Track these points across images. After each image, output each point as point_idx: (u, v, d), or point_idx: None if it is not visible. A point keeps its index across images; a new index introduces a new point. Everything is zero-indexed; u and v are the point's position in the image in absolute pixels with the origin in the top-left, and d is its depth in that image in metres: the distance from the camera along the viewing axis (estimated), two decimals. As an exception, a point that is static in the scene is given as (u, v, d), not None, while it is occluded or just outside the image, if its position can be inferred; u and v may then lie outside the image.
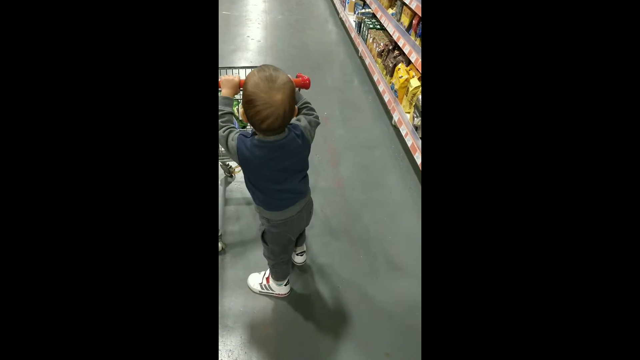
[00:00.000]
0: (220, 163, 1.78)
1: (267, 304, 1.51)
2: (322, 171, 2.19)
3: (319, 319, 1.48)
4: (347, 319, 1.48)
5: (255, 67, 1.03)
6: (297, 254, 1.62)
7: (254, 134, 1.03)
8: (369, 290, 1.59)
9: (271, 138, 1.00)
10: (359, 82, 3.17)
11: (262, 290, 1.51)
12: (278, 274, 1.44)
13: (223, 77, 1.12)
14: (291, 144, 1.02)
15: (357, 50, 3.54)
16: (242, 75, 1.31)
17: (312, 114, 1.13)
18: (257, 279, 1.53)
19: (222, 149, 1.11)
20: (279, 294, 1.52)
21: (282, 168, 1.05)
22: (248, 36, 3.76)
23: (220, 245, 1.66)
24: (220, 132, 1.03)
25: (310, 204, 1.27)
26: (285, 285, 1.50)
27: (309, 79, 1.21)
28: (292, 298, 1.54)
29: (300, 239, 1.53)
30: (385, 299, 1.56)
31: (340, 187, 2.10)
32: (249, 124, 1.10)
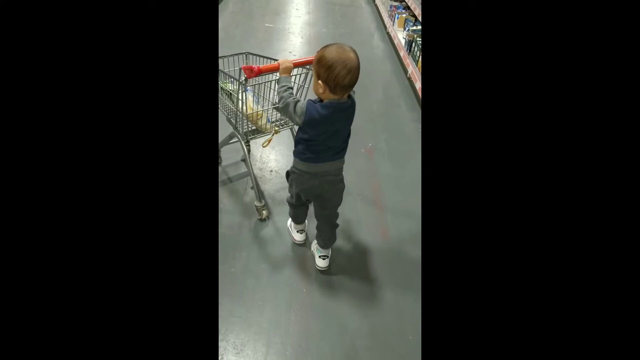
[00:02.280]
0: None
1: None
2: (364, 216, 1.95)
3: None
4: None
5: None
6: (320, 257, 1.67)
7: (320, 100, 1.30)
8: None
9: (337, 100, 1.27)
10: (407, 107, 2.91)
11: (288, 228, 1.83)
12: (291, 214, 1.73)
13: (280, 61, 1.40)
14: (351, 108, 1.32)
15: (405, 71, 3.27)
16: (263, 63, 1.75)
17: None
18: (290, 219, 1.81)
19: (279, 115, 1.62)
20: (294, 239, 1.78)
21: (337, 128, 1.33)
22: (290, 52, 3.59)
23: (265, 213, 1.87)
24: (289, 100, 1.31)
25: (333, 183, 1.46)
26: (299, 232, 1.77)
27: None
28: None
29: (324, 236, 1.64)
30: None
31: (386, 238, 1.85)
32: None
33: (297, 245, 1.76)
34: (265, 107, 1.79)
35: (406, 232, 1.88)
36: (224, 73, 1.70)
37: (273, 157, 2.29)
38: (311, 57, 1.43)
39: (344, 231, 1.85)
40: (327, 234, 1.63)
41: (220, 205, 1.91)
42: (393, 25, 3.78)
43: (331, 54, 1.21)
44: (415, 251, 1.79)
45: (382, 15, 4.37)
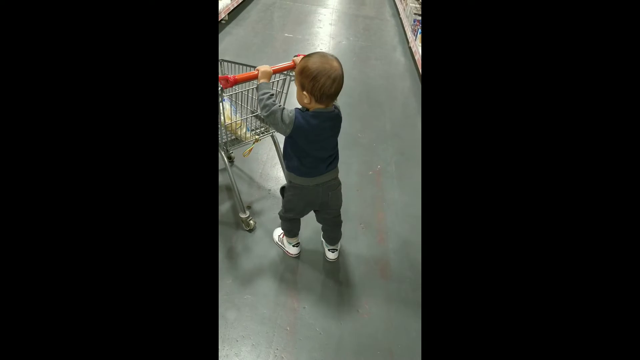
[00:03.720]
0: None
1: None
2: (364, 246, 1.80)
3: None
4: None
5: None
6: (329, 250, 1.70)
7: (306, 110, 1.28)
8: None
9: (324, 109, 1.26)
10: (423, 128, 2.74)
11: (278, 243, 1.74)
12: (285, 228, 1.64)
13: (260, 67, 1.37)
14: (338, 117, 1.31)
15: (425, 89, 3.12)
16: (238, 70, 1.70)
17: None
18: (277, 232, 1.76)
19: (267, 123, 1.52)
20: (289, 253, 1.70)
21: (326, 137, 1.31)
22: (306, 63, 3.49)
23: (252, 224, 1.80)
24: (274, 107, 1.26)
25: (333, 188, 1.45)
26: (295, 246, 1.69)
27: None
28: None
29: (332, 236, 1.67)
30: None
31: (385, 277, 1.69)
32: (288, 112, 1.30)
33: (285, 277, 1.63)
34: (245, 116, 1.72)
35: (407, 269, 1.72)
36: None
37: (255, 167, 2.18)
38: (289, 62, 1.47)
39: (341, 265, 1.70)
40: (334, 233, 1.65)
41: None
42: (415, 40, 3.63)
43: (314, 64, 1.20)
44: (415, 295, 1.62)
45: (406, 29, 4.23)
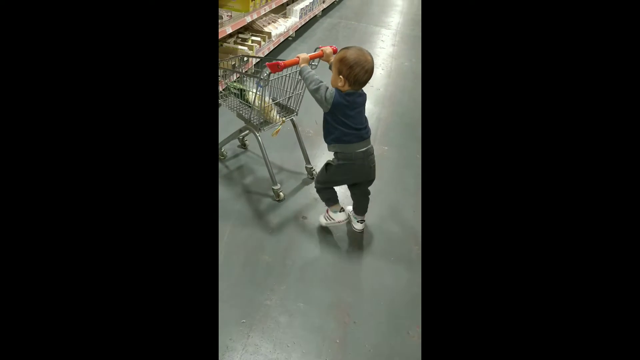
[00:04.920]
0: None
1: None
2: (419, 269, 1.78)
3: None
4: None
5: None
6: (358, 222, 1.90)
7: (339, 91, 1.56)
8: None
9: (355, 91, 1.56)
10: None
11: (328, 222, 1.90)
12: (326, 197, 1.85)
13: (299, 55, 1.69)
14: (364, 95, 1.63)
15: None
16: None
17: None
18: (321, 216, 1.94)
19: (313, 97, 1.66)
20: (339, 221, 1.88)
21: (358, 111, 1.60)
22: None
23: (282, 195, 2.06)
24: (321, 84, 1.57)
25: (372, 159, 1.70)
26: (340, 212, 1.86)
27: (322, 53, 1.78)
28: None
29: (362, 206, 1.86)
30: None
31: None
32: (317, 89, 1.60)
33: (337, 290, 1.66)
34: (276, 100, 2.03)
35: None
36: (243, 74, 2.05)
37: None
38: (318, 52, 1.76)
39: (393, 285, 1.70)
40: (365, 204, 1.86)
41: (272, 225, 1.89)
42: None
43: (352, 55, 1.50)
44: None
45: (471, 53, 4.19)
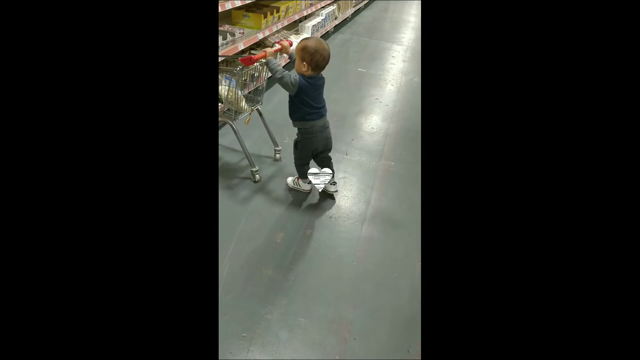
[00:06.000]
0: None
1: None
2: (418, 287, 1.77)
3: None
4: None
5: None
6: (330, 183, 2.22)
7: (302, 76, 1.90)
8: None
9: (316, 75, 1.92)
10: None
11: (294, 186, 2.28)
12: (301, 172, 2.19)
13: (265, 50, 2.01)
14: (323, 79, 1.98)
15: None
16: None
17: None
18: (289, 179, 2.32)
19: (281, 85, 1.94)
20: (304, 190, 2.25)
21: (319, 92, 1.97)
22: (377, 98, 3.59)
23: (258, 176, 2.33)
24: (285, 73, 1.87)
25: (329, 131, 2.10)
26: (308, 184, 2.22)
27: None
28: None
29: (328, 166, 2.18)
30: None
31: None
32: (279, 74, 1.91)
33: (339, 306, 1.66)
34: (244, 93, 2.36)
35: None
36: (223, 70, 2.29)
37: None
38: (278, 47, 2.06)
39: (394, 300, 1.69)
40: (330, 164, 2.19)
41: (278, 240, 1.91)
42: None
43: (313, 44, 1.85)
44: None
45: (481, 70, 4.19)
